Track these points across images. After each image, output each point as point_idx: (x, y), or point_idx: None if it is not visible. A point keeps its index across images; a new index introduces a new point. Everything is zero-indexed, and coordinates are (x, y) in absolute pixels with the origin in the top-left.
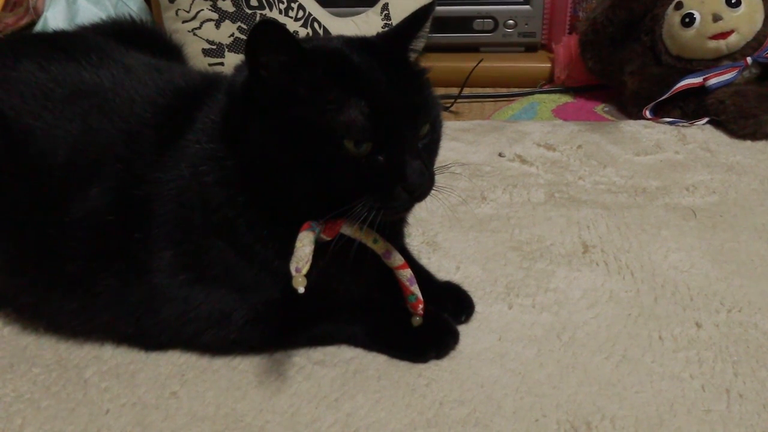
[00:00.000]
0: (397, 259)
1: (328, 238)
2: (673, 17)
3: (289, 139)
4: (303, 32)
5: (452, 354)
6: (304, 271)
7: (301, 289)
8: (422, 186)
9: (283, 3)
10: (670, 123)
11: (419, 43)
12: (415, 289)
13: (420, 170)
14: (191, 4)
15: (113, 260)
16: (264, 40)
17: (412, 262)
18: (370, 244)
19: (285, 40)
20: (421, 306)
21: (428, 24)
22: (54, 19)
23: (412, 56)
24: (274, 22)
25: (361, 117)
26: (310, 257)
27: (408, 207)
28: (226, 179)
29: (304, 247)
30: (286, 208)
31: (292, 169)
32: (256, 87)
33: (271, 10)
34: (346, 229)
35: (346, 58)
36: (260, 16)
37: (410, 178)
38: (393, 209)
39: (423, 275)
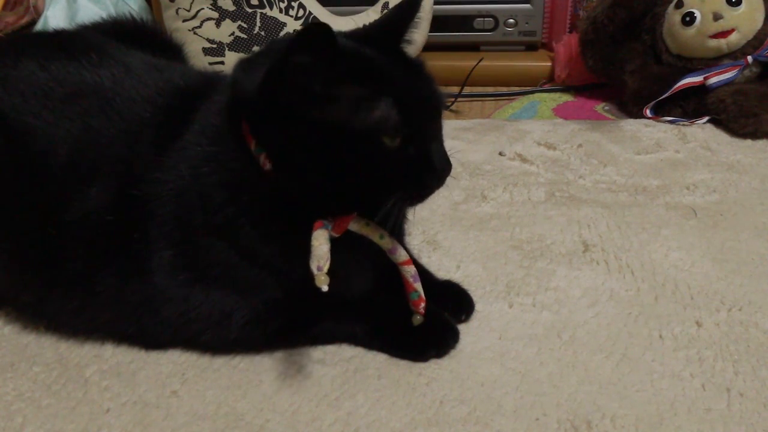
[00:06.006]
0: (402, 255)
1: (337, 235)
2: (673, 16)
3: (324, 141)
4: None
5: (452, 353)
6: (326, 269)
7: (325, 288)
8: (448, 170)
9: (283, 2)
10: (670, 122)
11: (413, 34)
12: (418, 286)
13: (444, 155)
14: (191, 3)
15: (113, 260)
16: (310, 43)
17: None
18: (376, 239)
19: (329, 43)
20: (422, 304)
21: (421, 13)
22: (54, 18)
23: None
24: (325, 26)
25: (393, 112)
26: (329, 255)
27: (432, 192)
28: (229, 180)
29: (322, 245)
30: (308, 209)
31: (329, 171)
32: (286, 90)
33: (271, 8)
34: (354, 226)
35: (365, 56)
36: (261, 15)
37: (438, 165)
38: (423, 197)
39: (423, 274)
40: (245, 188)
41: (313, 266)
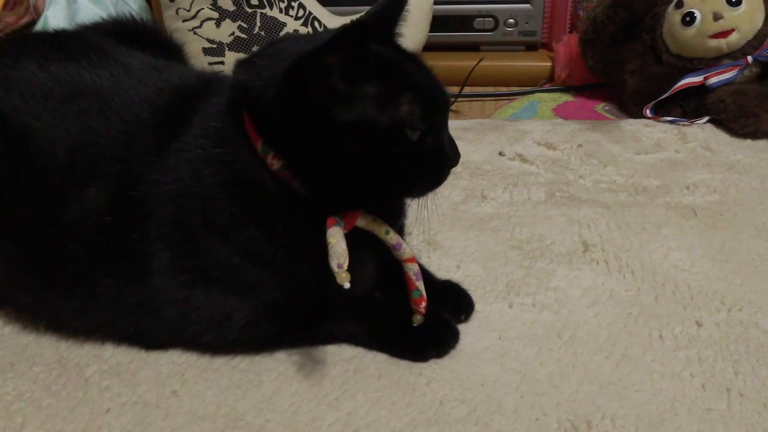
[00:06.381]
0: (407, 252)
1: (345, 231)
2: (673, 16)
3: (347, 139)
4: (303, 31)
5: (452, 353)
6: (346, 265)
7: (347, 284)
8: (458, 158)
9: (283, 2)
10: (670, 122)
11: (403, 28)
12: (420, 285)
13: (453, 143)
14: (191, 3)
15: (112, 261)
16: (344, 44)
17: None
18: (382, 235)
19: (363, 44)
20: (424, 303)
21: (408, 7)
22: (54, 18)
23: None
24: (362, 27)
25: (416, 106)
26: (347, 251)
27: (444, 182)
28: (233, 181)
29: (339, 242)
30: (319, 206)
31: (351, 167)
32: (309, 90)
33: (271, 8)
34: (361, 222)
35: (383, 52)
36: (261, 15)
37: (450, 153)
38: (436, 187)
39: (423, 274)
40: (250, 188)
41: (334, 264)
